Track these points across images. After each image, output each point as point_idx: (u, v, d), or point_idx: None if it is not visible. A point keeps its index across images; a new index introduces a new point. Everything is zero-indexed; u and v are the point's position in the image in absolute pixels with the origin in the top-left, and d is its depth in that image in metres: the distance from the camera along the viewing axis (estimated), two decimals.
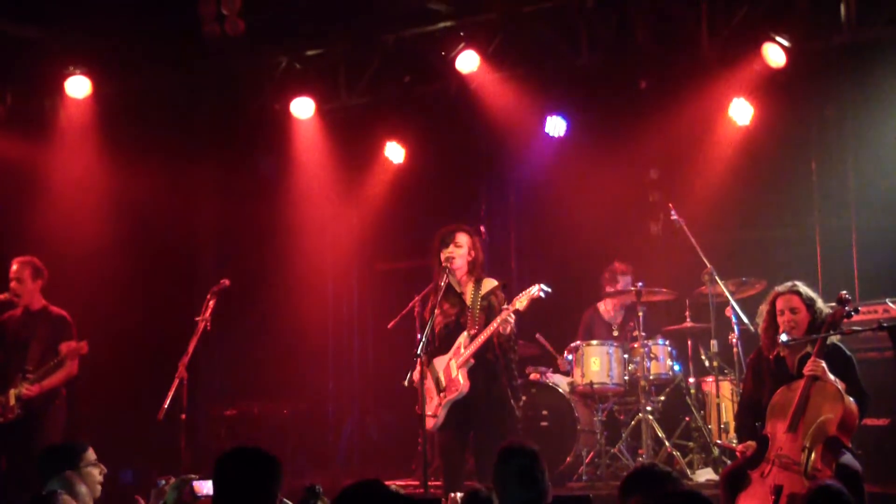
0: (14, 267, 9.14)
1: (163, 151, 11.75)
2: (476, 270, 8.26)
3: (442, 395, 8.00)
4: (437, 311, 8.11)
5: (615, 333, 10.59)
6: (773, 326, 7.39)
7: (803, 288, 7.42)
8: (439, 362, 8.12)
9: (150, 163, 11.68)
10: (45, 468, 5.95)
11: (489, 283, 8.21)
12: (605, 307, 10.83)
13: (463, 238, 8.21)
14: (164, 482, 5.50)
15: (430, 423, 8.01)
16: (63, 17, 10.84)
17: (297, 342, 12.24)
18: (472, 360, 8.00)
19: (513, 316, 7.89)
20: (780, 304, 7.38)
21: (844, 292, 7.29)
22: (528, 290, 7.97)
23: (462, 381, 7.98)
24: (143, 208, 11.88)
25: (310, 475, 11.03)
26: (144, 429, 9.96)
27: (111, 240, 11.68)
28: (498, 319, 7.87)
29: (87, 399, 10.26)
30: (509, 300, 8.12)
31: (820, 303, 7.39)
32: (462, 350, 8.01)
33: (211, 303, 8.69)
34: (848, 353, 7.30)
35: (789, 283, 7.46)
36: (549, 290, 8.03)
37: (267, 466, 4.71)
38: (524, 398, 9.83)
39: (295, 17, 11.23)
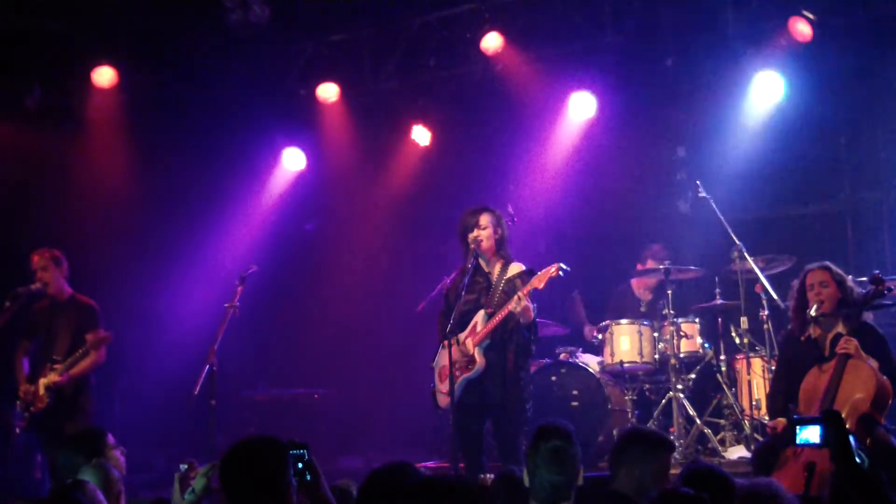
0: (35, 258, 9.20)
1: (188, 138, 11.80)
2: (503, 249, 8.26)
3: (457, 372, 8.00)
4: (463, 291, 8.09)
5: (642, 310, 10.56)
6: (802, 305, 7.39)
7: (833, 266, 7.42)
8: (457, 341, 8.13)
9: (176, 150, 11.73)
10: (69, 458, 6.02)
11: (517, 267, 8.20)
12: (637, 285, 10.79)
13: (486, 219, 8.20)
14: (185, 467, 5.52)
15: (445, 401, 8.01)
16: (87, 7, 10.87)
17: (326, 326, 12.27)
18: (489, 339, 8.02)
19: (526, 300, 7.86)
20: (809, 279, 7.40)
21: (878, 272, 7.27)
22: (546, 269, 7.95)
23: (478, 358, 8.00)
24: (169, 195, 11.94)
25: (341, 458, 11.08)
26: (175, 415, 10.04)
27: (138, 228, 11.74)
28: (514, 300, 7.85)
29: (117, 387, 10.31)
30: None
31: (850, 282, 7.37)
32: (478, 328, 8.04)
33: (239, 288, 8.72)
34: (881, 331, 7.29)
35: (819, 263, 7.46)
36: (568, 268, 7.99)
37: (271, 456, 4.63)
38: (554, 378, 9.85)
39: (319, 3, 11.24)
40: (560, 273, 7.96)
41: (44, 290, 9.16)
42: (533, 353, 8.30)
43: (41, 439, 8.94)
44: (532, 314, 7.97)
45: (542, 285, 7.95)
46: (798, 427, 5.02)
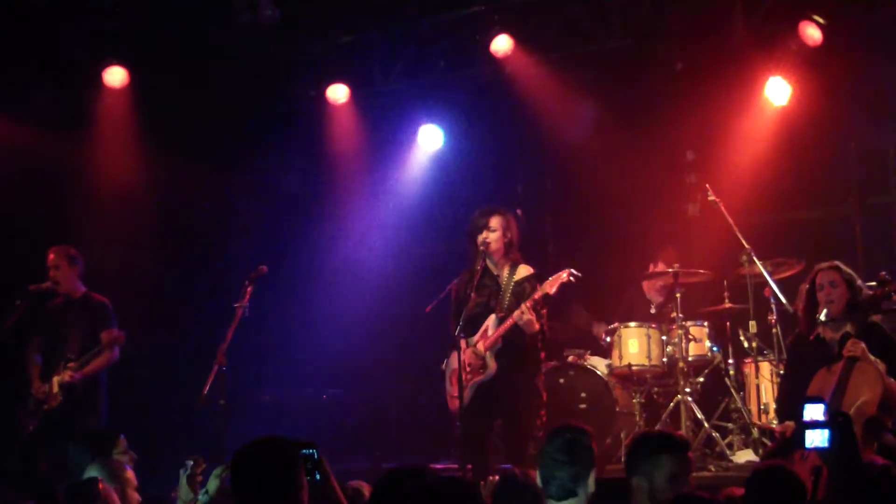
0: (51, 256, 9.24)
1: (199, 139, 11.83)
2: (512, 252, 8.29)
3: (468, 375, 8.03)
4: (472, 293, 8.12)
5: (652, 312, 10.55)
6: (812, 305, 7.38)
7: (843, 266, 7.42)
8: (468, 343, 8.16)
9: (187, 151, 11.75)
10: (78, 456, 6.04)
11: (525, 270, 8.25)
12: (648, 287, 10.77)
13: (496, 221, 8.22)
14: (191, 462, 5.54)
15: (455, 404, 8.03)
16: (98, 8, 10.90)
17: (335, 327, 12.28)
18: (500, 343, 8.04)
19: (529, 312, 7.88)
20: (819, 280, 7.40)
21: (885, 273, 7.27)
22: (557, 274, 8.00)
23: (490, 362, 8.03)
24: (180, 196, 11.96)
25: (348, 459, 11.09)
26: (185, 416, 10.07)
27: (149, 228, 11.76)
28: (517, 312, 7.89)
29: (127, 386, 10.33)
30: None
31: (859, 282, 7.37)
32: (489, 332, 8.06)
33: (249, 289, 8.75)
34: (889, 332, 7.27)
35: (829, 262, 7.46)
36: (579, 274, 8.04)
37: (282, 458, 4.64)
38: (562, 381, 9.87)
39: (328, 4, 11.27)
40: (571, 279, 8.01)
41: (55, 288, 9.20)
42: (543, 359, 8.34)
43: (52, 435, 8.97)
44: (536, 326, 8.00)
45: (553, 291, 8.00)
46: (806, 431, 4.99)
